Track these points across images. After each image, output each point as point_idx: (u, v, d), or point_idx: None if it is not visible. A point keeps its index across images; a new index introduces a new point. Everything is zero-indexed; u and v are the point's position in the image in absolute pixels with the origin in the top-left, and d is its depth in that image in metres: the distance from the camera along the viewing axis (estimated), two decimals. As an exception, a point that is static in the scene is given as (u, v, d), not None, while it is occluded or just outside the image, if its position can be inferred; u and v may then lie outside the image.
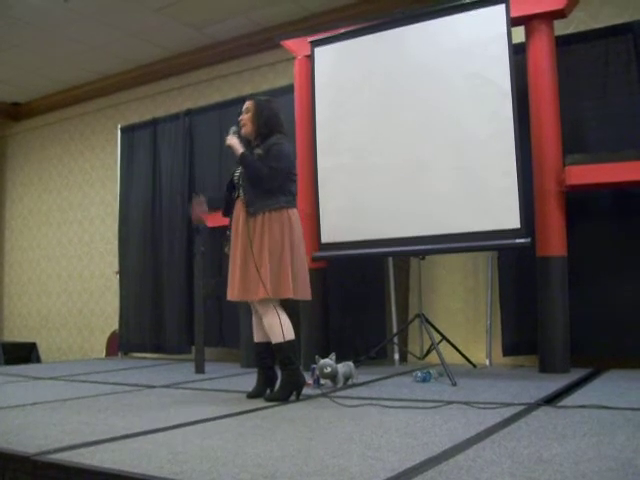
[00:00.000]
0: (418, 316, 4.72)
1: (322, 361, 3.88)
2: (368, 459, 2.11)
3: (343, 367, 3.99)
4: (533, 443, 2.28)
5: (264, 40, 6.52)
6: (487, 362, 5.05)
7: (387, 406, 3.18)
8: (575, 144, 4.65)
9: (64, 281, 8.54)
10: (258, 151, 3.58)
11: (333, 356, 3.93)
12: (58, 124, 8.81)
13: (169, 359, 6.65)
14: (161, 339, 6.78)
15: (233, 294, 3.58)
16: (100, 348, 7.87)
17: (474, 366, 4.89)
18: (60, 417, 3.11)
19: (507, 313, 5.04)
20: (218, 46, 7.01)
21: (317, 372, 3.90)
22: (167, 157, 6.94)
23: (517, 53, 4.50)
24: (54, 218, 8.74)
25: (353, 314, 5.56)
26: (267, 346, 3.66)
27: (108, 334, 7.72)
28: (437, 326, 4.85)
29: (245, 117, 3.70)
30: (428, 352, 4.95)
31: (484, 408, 3.03)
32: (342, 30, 5.12)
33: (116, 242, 7.35)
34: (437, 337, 4.67)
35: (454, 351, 4.87)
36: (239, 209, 3.62)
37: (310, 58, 5.22)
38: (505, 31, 4.37)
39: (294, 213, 3.64)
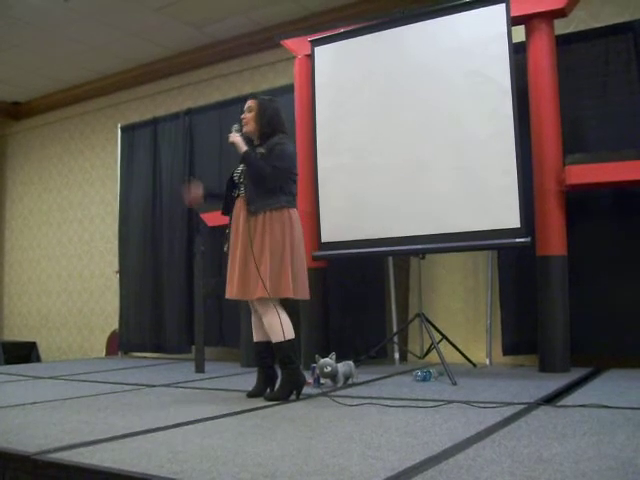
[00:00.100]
0: (418, 315, 4.72)
1: (322, 360, 3.88)
2: (368, 458, 2.10)
3: (343, 366, 3.99)
4: (533, 442, 2.28)
5: (264, 39, 6.52)
6: (487, 361, 5.06)
7: (387, 405, 3.18)
8: (575, 143, 4.65)
9: (64, 280, 8.54)
10: (261, 150, 3.58)
11: (333, 355, 3.93)
12: (58, 123, 8.81)
13: (169, 358, 6.65)
14: (161, 338, 6.78)
15: (232, 292, 3.58)
16: (100, 347, 7.87)
17: (474, 365, 4.89)
18: (60, 416, 3.11)
19: (507, 312, 5.05)
20: (218, 45, 7.02)
21: (317, 371, 3.90)
22: (167, 156, 6.94)
23: (517, 52, 4.50)
24: (54, 217, 8.75)
25: (353, 313, 5.56)
26: (267, 345, 3.66)
27: (108, 333, 7.73)
28: (437, 325, 4.85)
29: (248, 116, 3.69)
30: (428, 351, 4.95)
31: (484, 407, 3.03)
32: (342, 29, 5.12)
33: (116, 241, 7.35)
34: (437, 336, 4.67)
35: (454, 350, 4.87)
36: (239, 208, 3.62)
37: (310, 57, 5.22)
38: (505, 30, 4.37)
39: (294, 213, 3.64)
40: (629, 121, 4.59)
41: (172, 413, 3.17)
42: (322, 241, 5.04)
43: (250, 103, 3.71)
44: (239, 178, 3.67)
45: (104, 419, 3.03)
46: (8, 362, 7.45)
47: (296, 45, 5.46)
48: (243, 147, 3.58)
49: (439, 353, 4.28)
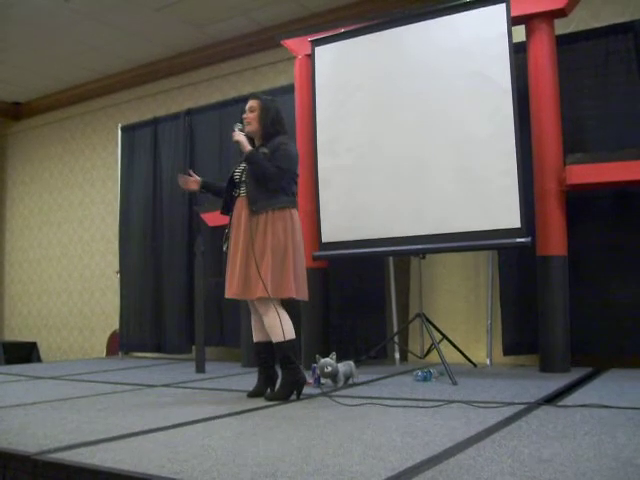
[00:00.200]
0: (418, 315, 4.72)
1: (323, 360, 3.88)
2: (369, 458, 2.10)
3: (344, 366, 3.99)
4: (534, 442, 2.28)
5: (265, 39, 6.53)
6: (488, 361, 5.05)
7: (388, 405, 3.18)
8: (576, 143, 4.65)
9: (64, 281, 8.54)
10: (264, 150, 3.57)
11: (334, 355, 3.93)
12: (59, 123, 8.82)
13: (169, 358, 6.66)
14: (162, 338, 6.78)
15: (232, 292, 3.57)
16: (100, 348, 7.87)
17: (475, 365, 4.89)
18: (60, 416, 3.12)
19: (507, 312, 5.04)
20: (219, 45, 7.02)
21: (318, 371, 3.90)
22: (167, 156, 6.94)
23: (517, 52, 4.50)
24: (55, 217, 8.75)
25: (354, 313, 5.56)
26: (267, 345, 3.66)
27: (108, 334, 7.73)
28: (437, 325, 4.85)
29: (250, 116, 3.68)
30: (429, 351, 4.95)
31: (485, 407, 3.03)
32: (343, 30, 5.12)
33: (117, 241, 7.35)
34: (438, 336, 4.67)
35: (455, 350, 4.87)
36: (240, 207, 3.62)
37: (310, 57, 5.22)
38: (505, 30, 4.37)
39: (295, 213, 3.65)
40: (629, 121, 4.59)
41: (173, 413, 3.17)
42: (322, 241, 5.04)
43: (252, 103, 3.71)
44: (240, 177, 3.66)
45: (104, 419, 3.03)
46: (9, 362, 7.45)
47: (296, 45, 5.46)
48: (247, 146, 3.57)
49: (439, 353, 4.28)
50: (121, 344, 7.11)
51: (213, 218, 5.70)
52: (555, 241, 4.47)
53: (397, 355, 5.36)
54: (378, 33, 4.92)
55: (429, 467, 1.97)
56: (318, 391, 3.71)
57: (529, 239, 4.25)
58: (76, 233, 8.46)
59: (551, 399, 3.28)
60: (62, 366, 6.14)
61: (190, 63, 7.34)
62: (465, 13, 4.57)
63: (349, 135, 4.97)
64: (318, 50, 5.17)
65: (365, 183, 4.87)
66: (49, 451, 2.30)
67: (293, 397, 3.50)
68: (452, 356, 4.79)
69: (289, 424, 2.79)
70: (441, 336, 4.80)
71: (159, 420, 2.93)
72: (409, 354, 5.37)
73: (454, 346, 4.87)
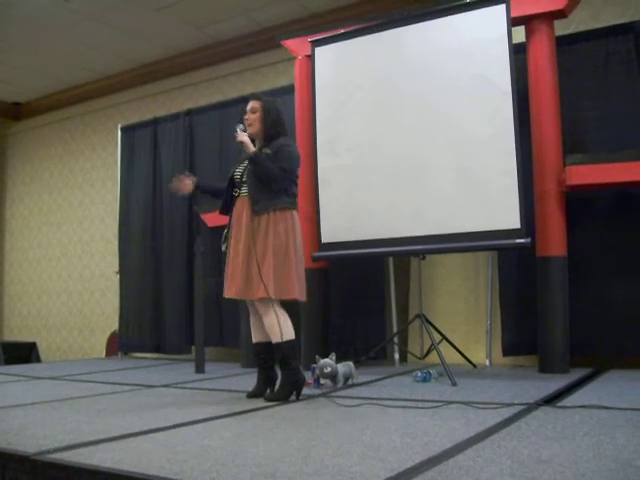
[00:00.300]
0: (418, 316, 4.71)
1: (322, 361, 3.88)
2: (368, 459, 2.10)
3: (343, 367, 3.99)
4: (533, 443, 2.28)
5: (265, 40, 6.53)
6: (487, 362, 5.05)
7: (387, 406, 3.18)
8: (575, 144, 4.66)
9: (64, 281, 8.54)
10: (267, 151, 3.57)
11: (333, 356, 3.93)
12: (59, 123, 8.82)
13: (169, 359, 6.66)
14: (161, 339, 6.78)
15: (233, 292, 3.56)
16: (100, 348, 7.87)
17: (474, 366, 4.89)
18: (60, 417, 3.11)
19: (507, 313, 5.05)
20: (219, 46, 7.02)
21: (317, 372, 3.90)
22: (167, 157, 6.94)
23: (517, 53, 4.50)
24: (54, 217, 8.75)
25: (353, 314, 5.56)
26: (266, 346, 3.66)
27: (108, 334, 7.73)
28: (437, 326, 4.85)
29: (252, 117, 3.67)
30: (428, 352, 4.95)
31: (484, 408, 3.03)
32: (342, 30, 5.12)
33: (116, 242, 7.35)
34: (437, 337, 4.67)
35: (454, 351, 4.87)
36: (240, 207, 3.61)
37: (310, 58, 5.22)
38: (505, 31, 4.37)
39: (296, 214, 3.66)
40: (629, 122, 4.59)
41: (172, 413, 3.17)
42: (322, 242, 5.04)
43: (254, 104, 3.70)
44: (240, 177, 3.66)
45: (104, 419, 3.03)
46: (8, 362, 7.45)
47: (296, 46, 5.46)
48: (252, 147, 3.56)
49: (439, 354, 4.28)
50: (121, 344, 7.11)
51: (213, 218, 5.70)
52: (555, 242, 4.47)
53: (397, 356, 5.36)
54: (378, 34, 4.92)
55: (428, 468, 1.97)
56: (318, 392, 3.71)
57: (529, 240, 4.25)
58: (76, 233, 8.46)
59: (550, 400, 3.28)
60: (62, 366, 6.13)
61: (190, 63, 7.35)
62: (465, 14, 4.57)
63: (349, 135, 4.97)
64: (318, 51, 5.18)
65: (365, 183, 4.87)
66: (48, 451, 2.30)
67: (292, 398, 3.50)
68: (452, 357, 4.79)
69: (289, 425, 2.79)
70: (441, 337, 4.80)
71: (158, 420, 2.93)
72: (409, 355, 5.36)
73: (454, 347, 4.87)
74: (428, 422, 2.75)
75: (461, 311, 5.47)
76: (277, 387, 3.60)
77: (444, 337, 4.82)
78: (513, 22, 4.41)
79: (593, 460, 2.01)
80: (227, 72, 7.17)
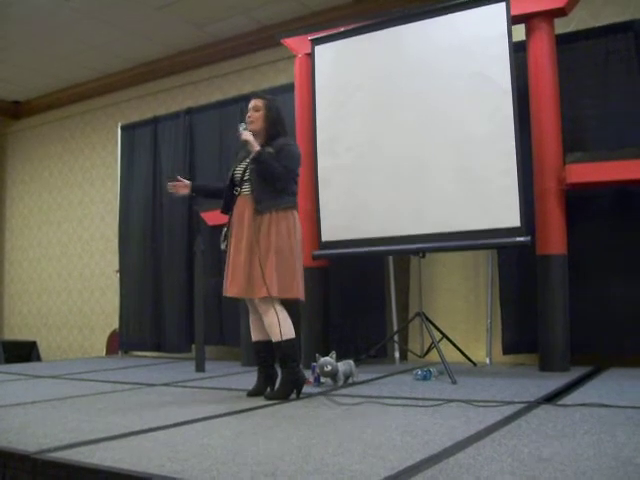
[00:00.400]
0: (418, 314, 4.72)
1: (322, 359, 3.88)
2: (368, 457, 2.10)
3: (343, 365, 3.99)
4: (533, 441, 2.28)
5: (265, 38, 6.52)
6: (487, 360, 5.05)
7: (387, 404, 3.19)
8: (575, 142, 4.65)
9: (64, 280, 8.54)
10: (269, 150, 3.57)
11: (333, 354, 3.93)
12: (59, 122, 8.81)
13: (169, 357, 6.66)
14: (161, 337, 6.79)
15: (235, 290, 3.56)
16: (100, 347, 7.87)
17: (474, 364, 4.90)
18: (60, 415, 3.12)
19: (507, 311, 5.05)
20: (219, 44, 7.02)
21: (317, 370, 3.90)
22: (168, 155, 6.94)
23: (517, 51, 4.50)
24: (54, 216, 8.75)
25: (353, 312, 5.56)
26: (266, 344, 3.66)
27: (108, 333, 7.73)
28: (437, 324, 4.85)
29: (255, 115, 3.67)
30: (428, 350, 4.95)
31: (484, 406, 3.03)
32: (342, 28, 5.12)
33: (116, 240, 7.35)
34: (437, 335, 4.67)
35: (454, 349, 4.87)
36: (242, 206, 3.60)
37: (310, 56, 5.22)
38: (505, 29, 4.36)
39: (296, 214, 3.66)
40: (629, 120, 4.59)
41: (172, 412, 3.17)
42: (322, 240, 5.04)
43: (257, 102, 3.69)
44: (242, 176, 3.65)
45: (104, 418, 3.03)
46: (8, 361, 7.45)
47: (296, 44, 5.46)
48: (256, 146, 3.55)
49: (439, 352, 4.28)
50: (121, 343, 7.11)
51: (213, 217, 5.70)
52: (555, 240, 4.47)
53: (397, 354, 5.36)
54: (378, 32, 4.91)
55: (429, 466, 1.97)
56: (318, 390, 3.71)
57: (529, 238, 4.25)
58: (76, 232, 8.46)
59: (551, 398, 3.28)
60: (62, 365, 6.14)
61: (190, 62, 7.34)
62: (465, 12, 4.57)
63: (349, 134, 4.97)
64: (318, 49, 5.17)
65: (365, 182, 4.86)
66: (49, 450, 2.30)
67: (293, 396, 3.50)
68: (452, 355, 4.79)
69: (289, 423, 2.79)
70: (441, 335, 4.80)
71: (159, 419, 2.93)
72: (409, 353, 5.37)
73: (454, 345, 4.87)
74: (428, 420, 2.75)
75: (461, 309, 5.47)
76: (277, 386, 3.60)
77: (444, 335, 4.82)
78: (513, 20, 4.41)
79: (593, 458, 2.01)
80: (227, 71, 7.16)
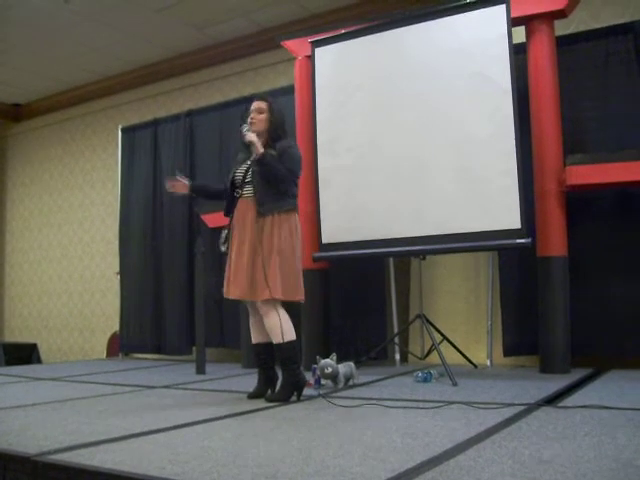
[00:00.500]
0: (419, 316, 4.72)
1: (323, 361, 3.88)
2: (369, 459, 2.10)
3: (344, 367, 3.99)
4: (534, 443, 2.27)
5: (265, 40, 6.53)
6: (488, 362, 5.05)
7: (388, 406, 3.18)
8: (576, 144, 4.65)
9: (65, 282, 8.54)
10: (272, 152, 3.57)
11: (334, 356, 3.93)
12: (59, 125, 8.82)
13: (170, 360, 6.65)
14: (162, 340, 6.78)
15: (237, 293, 3.55)
16: (101, 349, 7.87)
17: (475, 366, 4.89)
18: (61, 418, 3.12)
19: (508, 313, 5.04)
20: (219, 47, 7.03)
21: (318, 372, 3.90)
22: (168, 158, 6.94)
23: (518, 53, 4.50)
24: (55, 219, 8.75)
25: (354, 314, 5.56)
26: (266, 346, 3.66)
27: (109, 335, 7.73)
28: (438, 326, 4.85)
29: (259, 117, 3.66)
30: (429, 352, 4.95)
31: (485, 408, 3.03)
32: (343, 31, 5.12)
33: (117, 243, 7.35)
34: (438, 337, 4.67)
35: (455, 351, 4.87)
36: (244, 208, 3.59)
37: (311, 58, 5.22)
38: (506, 31, 4.37)
39: (297, 216, 3.67)
40: (629, 122, 4.59)
41: (173, 414, 3.17)
42: (322, 242, 5.04)
43: (261, 104, 3.69)
44: (243, 179, 3.64)
45: (105, 420, 3.03)
46: (9, 363, 7.45)
47: (297, 46, 5.46)
48: (260, 147, 3.54)
49: (440, 354, 4.28)
50: (121, 345, 7.11)
51: (213, 219, 5.70)
52: (555, 242, 4.46)
53: (397, 356, 5.36)
54: (378, 34, 4.92)
55: (429, 468, 1.97)
56: (318, 392, 3.71)
57: (529, 240, 4.25)
58: (76, 234, 8.46)
59: (551, 400, 3.28)
60: (62, 367, 6.14)
61: (190, 64, 7.35)
62: (465, 14, 4.57)
63: (349, 135, 4.97)
64: (318, 51, 5.18)
65: (365, 183, 4.87)
66: (49, 452, 2.30)
67: (293, 398, 3.50)
68: (452, 357, 4.79)
69: (289, 425, 2.79)
70: (441, 337, 4.80)
71: (159, 421, 2.93)
72: (409, 355, 5.36)
73: (454, 347, 4.87)
74: (429, 422, 2.75)
75: (462, 311, 5.47)
76: (278, 388, 3.60)
77: (445, 337, 4.82)
78: (513, 22, 4.41)
79: (594, 460, 2.01)
80: (227, 73, 7.17)
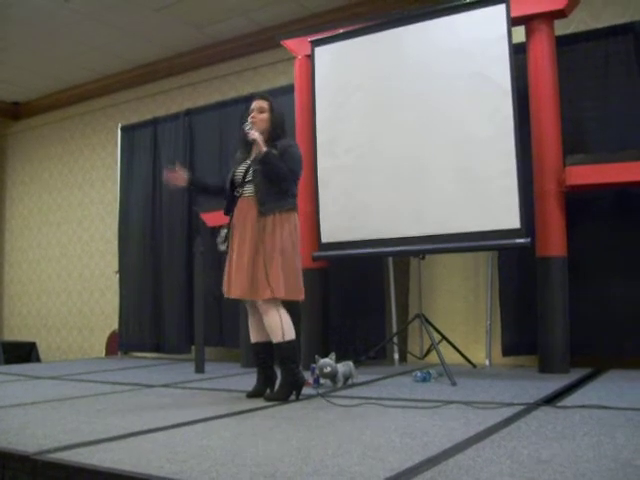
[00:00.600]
0: (418, 316, 4.72)
1: (322, 361, 3.88)
2: (368, 459, 2.10)
3: (343, 367, 3.99)
4: (533, 443, 2.28)
5: (264, 40, 6.53)
6: (487, 362, 5.05)
7: (387, 406, 3.18)
8: (575, 144, 4.65)
9: (64, 281, 8.54)
10: (273, 151, 3.56)
11: (333, 356, 3.93)
12: (58, 123, 8.81)
13: (169, 359, 6.65)
14: (161, 339, 6.79)
15: (236, 292, 3.54)
16: (100, 348, 7.87)
17: (474, 366, 4.89)
18: (60, 416, 3.11)
19: (507, 313, 5.05)
20: (218, 46, 7.02)
21: (317, 372, 3.90)
22: (167, 156, 6.93)
23: (517, 53, 4.50)
24: (54, 217, 8.75)
25: (353, 314, 5.56)
26: (265, 346, 3.66)
27: (108, 333, 7.73)
28: (437, 326, 4.85)
29: (260, 116, 3.65)
30: (428, 352, 4.95)
31: (484, 408, 3.03)
32: (342, 30, 5.12)
33: (116, 241, 7.35)
34: (437, 337, 4.67)
35: (454, 351, 4.87)
36: (245, 207, 3.58)
37: (310, 58, 5.22)
38: (505, 31, 4.37)
39: (297, 216, 3.66)
40: (629, 122, 4.59)
41: (172, 413, 3.17)
42: (322, 241, 5.04)
43: (263, 104, 3.68)
44: (243, 178, 3.64)
45: (104, 419, 3.03)
46: (8, 362, 7.45)
47: (296, 45, 5.46)
48: (264, 146, 3.53)
49: (439, 354, 4.28)
50: (120, 344, 7.11)
51: (213, 218, 5.70)
52: (555, 242, 4.47)
53: (396, 356, 5.36)
54: (378, 34, 4.92)
55: (428, 468, 1.97)
56: (317, 391, 3.71)
57: (529, 240, 4.25)
58: (75, 233, 8.46)
59: (550, 400, 3.28)
60: (61, 366, 6.13)
61: (190, 63, 7.34)
62: (465, 14, 4.57)
63: (348, 135, 4.97)
64: (318, 50, 5.17)
65: (365, 183, 4.87)
66: (48, 451, 2.30)
67: (292, 397, 3.50)
68: (451, 357, 4.79)
69: (288, 424, 2.79)
70: (440, 337, 4.80)
71: (158, 420, 2.93)
72: (408, 355, 5.36)
73: (453, 347, 4.87)
74: (428, 422, 2.75)
75: (461, 311, 5.47)
76: (277, 387, 3.60)
77: (444, 337, 4.82)
78: (513, 22, 4.41)
79: (593, 460, 2.01)
80: (226, 72, 7.17)
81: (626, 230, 4.61)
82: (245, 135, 3.60)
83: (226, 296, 3.65)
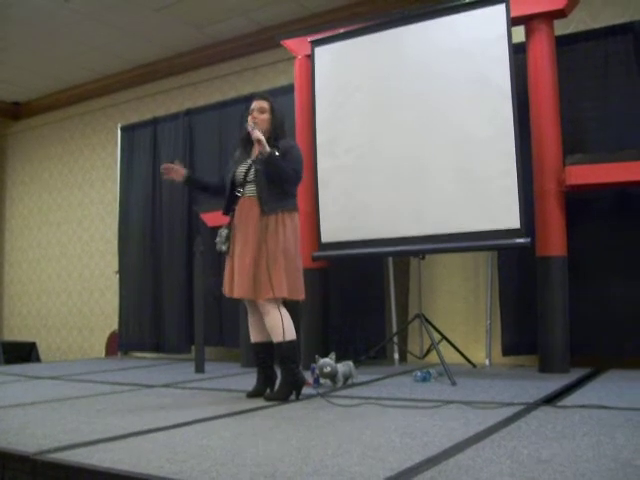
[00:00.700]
0: (418, 316, 4.72)
1: (322, 360, 3.88)
2: (368, 459, 2.10)
3: (343, 367, 3.99)
4: (533, 443, 2.28)
5: (264, 40, 6.53)
6: (487, 362, 5.05)
7: (387, 406, 3.18)
8: (575, 144, 4.66)
9: (64, 281, 8.54)
10: (276, 152, 3.56)
11: (333, 355, 3.93)
12: (58, 123, 8.82)
13: (169, 359, 6.65)
14: (161, 338, 6.78)
15: (239, 293, 3.53)
16: (100, 348, 7.87)
17: (474, 366, 4.89)
18: (60, 416, 3.11)
19: (507, 313, 5.05)
20: (218, 46, 7.02)
21: (317, 372, 3.90)
22: (167, 156, 6.90)
23: (517, 53, 4.50)
24: (54, 217, 8.75)
25: (353, 314, 5.56)
26: (265, 346, 3.66)
27: (108, 334, 7.73)
28: (437, 326, 4.85)
29: (261, 117, 3.65)
30: (428, 352, 4.95)
31: (484, 408, 3.03)
32: (342, 30, 5.12)
33: (116, 241, 7.35)
34: (437, 337, 4.67)
35: (454, 351, 4.87)
36: (247, 207, 3.58)
37: (310, 58, 5.22)
38: (505, 31, 4.37)
39: (297, 215, 3.66)
40: (629, 122, 4.59)
41: (171, 413, 3.17)
42: (322, 241, 5.04)
43: (263, 104, 3.68)
44: (244, 177, 3.63)
45: (103, 419, 3.03)
46: (8, 362, 7.44)
47: (296, 45, 5.46)
48: (267, 146, 3.51)
49: (439, 353, 4.28)
50: (120, 344, 7.11)
51: (213, 218, 5.70)
52: (554, 242, 4.47)
53: (396, 355, 5.36)
54: (378, 34, 4.92)
55: (428, 468, 1.97)
56: (317, 391, 3.71)
57: (528, 240, 4.25)
58: (75, 233, 8.46)
59: (550, 400, 3.28)
60: (61, 366, 6.13)
61: (190, 63, 7.35)
62: (464, 14, 4.57)
63: (348, 135, 4.97)
64: (318, 50, 5.17)
65: (365, 183, 4.87)
66: (48, 451, 2.30)
67: (292, 397, 3.50)
68: (451, 356, 4.79)
69: (288, 424, 2.79)
70: (440, 336, 4.80)
71: (158, 420, 2.93)
72: (408, 354, 5.37)
73: (453, 346, 4.87)
74: (428, 422, 2.75)
75: (461, 311, 5.47)
76: (277, 387, 3.60)
77: (444, 337, 4.82)
78: (513, 22, 4.41)
79: (593, 460, 2.01)
80: (226, 72, 7.17)
81: (626, 230, 4.61)
82: (248, 134, 3.59)
83: (227, 296, 3.65)
